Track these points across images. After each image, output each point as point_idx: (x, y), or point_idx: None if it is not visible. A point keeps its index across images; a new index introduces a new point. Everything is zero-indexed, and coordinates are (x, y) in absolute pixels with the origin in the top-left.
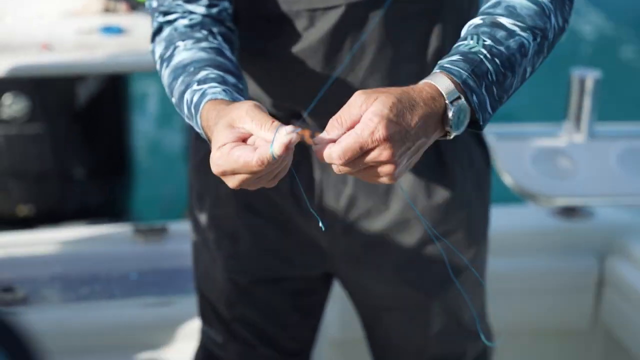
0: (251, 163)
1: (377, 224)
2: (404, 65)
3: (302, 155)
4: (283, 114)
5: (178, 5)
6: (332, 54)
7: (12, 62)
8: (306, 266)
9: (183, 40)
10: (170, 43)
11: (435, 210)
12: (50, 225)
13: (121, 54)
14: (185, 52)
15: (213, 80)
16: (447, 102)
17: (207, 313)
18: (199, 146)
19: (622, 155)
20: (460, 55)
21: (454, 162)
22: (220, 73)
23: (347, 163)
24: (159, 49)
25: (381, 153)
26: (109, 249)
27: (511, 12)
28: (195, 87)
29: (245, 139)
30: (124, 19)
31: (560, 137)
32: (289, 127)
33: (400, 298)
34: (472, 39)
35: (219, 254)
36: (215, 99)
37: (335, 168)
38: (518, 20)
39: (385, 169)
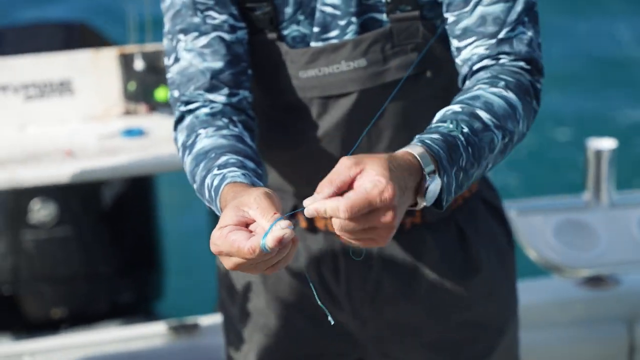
0: (243, 250)
1: (405, 307)
2: None
3: (326, 246)
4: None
5: (199, 94)
6: (349, 139)
7: (37, 172)
8: (338, 354)
9: (205, 128)
10: (192, 131)
11: (461, 292)
12: (83, 326)
13: (143, 155)
14: (206, 140)
15: (233, 165)
16: (425, 173)
17: None
18: None
19: None
20: (440, 136)
21: (477, 244)
22: (240, 158)
23: (351, 219)
24: (181, 137)
25: (387, 214)
26: (143, 349)
27: (489, 109)
28: (215, 171)
29: (248, 224)
30: (145, 120)
31: (581, 208)
32: (286, 222)
33: None
34: (451, 123)
35: (250, 347)
36: (235, 182)
37: (336, 224)
38: (494, 117)
39: (384, 231)
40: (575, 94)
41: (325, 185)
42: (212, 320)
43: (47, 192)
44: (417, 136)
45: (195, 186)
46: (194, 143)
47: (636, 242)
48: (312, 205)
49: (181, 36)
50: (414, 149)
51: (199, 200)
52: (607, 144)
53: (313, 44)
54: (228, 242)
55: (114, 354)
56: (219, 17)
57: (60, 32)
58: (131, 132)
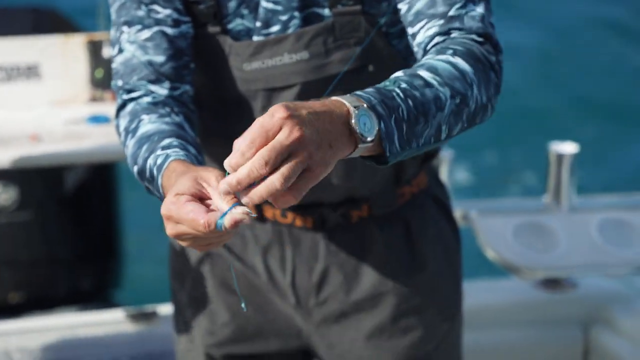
0: (198, 223)
1: (350, 298)
2: None
3: (274, 235)
4: None
5: (142, 85)
6: None
7: (1, 155)
8: (282, 342)
9: (147, 114)
10: (134, 116)
11: (405, 284)
12: (41, 311)
13: (108, 142)
14: (150, 125)
15: (176, 147)
16: (349, 106)
17: None
18: None
19: (602, 226)
20: (373, 88)
21: (423, 239)
22: (183, 142)
23: (260, 156)
24: (123, 122)
25: (291, 130)
26: (101, 335)
27: (432, 70)
28: (159, 152)
29: (203, 199)
30: (111, 107)
31: (541, 211)
32: (245, 208)
33: None
34: (389, 81)
35: (197, 332)
36: (179, 159)
37: (252, 168)
38: (438, 77)
39: (301, 154)
40: None
41: (245, 149)
42: (171, 309)
43: (8, 175)
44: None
45: (135, 168)
46: (137, 128)
47: (594, 246)
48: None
49: (125, 28)
50: (340, 96)
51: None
52: (568, 148)
53: (256, 38)
54: (183, 210)
55: (72, 340)
56: (162, 12)
57: (29, 17)
58: (97, 119)
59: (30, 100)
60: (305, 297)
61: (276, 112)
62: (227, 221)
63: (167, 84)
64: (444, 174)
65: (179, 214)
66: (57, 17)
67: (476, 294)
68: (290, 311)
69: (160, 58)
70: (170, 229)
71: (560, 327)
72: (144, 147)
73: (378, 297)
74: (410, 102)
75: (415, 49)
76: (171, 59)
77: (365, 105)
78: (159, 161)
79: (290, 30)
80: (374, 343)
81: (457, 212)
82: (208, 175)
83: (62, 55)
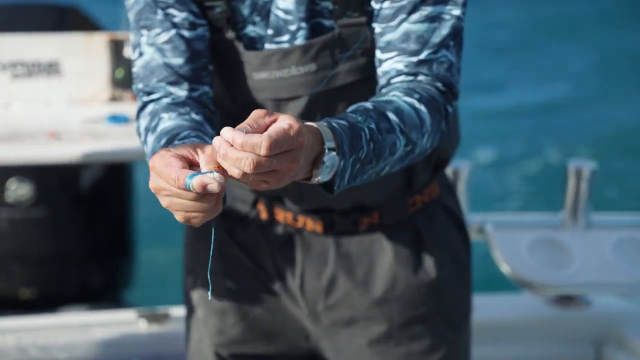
0: (170, 175)
1: (358, 304)
2: None
3: (285, 238)
4: (265, 197)
5: (161, 87)
6: None
7: (19, 151)
8: (290, 345)
9: (167, 112)
10: (155, 115)
11: (414, 291)
12: (51, 308)
13: (127, 142)
14: (169, 121)
15: (194, 137)
16: (325, 147)
17: None
18: (192, 229)
19: (617, 245)
20: (347, 123)
21: (432, 247)
22: (201, 135)
23: (267, 155)
24: (144, 122)
25: (296, 157)
26: (113, 335)
27: (398, 114)
28: (176, 142)
29: (193, 164)
30: (130, 107)
31: (557, 227)
32: (219, 175)
33: None
34: (360, 116)
35: (206, 331)
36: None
37: (247, 162)
38: (402, 123)
39: (282, 174)
40: None
41: (243, 125)
42: (183, 312)
43: (25, 172)
44: (325, 118)
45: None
46: (157, 125)
47: (609, 265)
48: (230, 134)
49: (144, 32)
50: (320, 124)
51: None
52: (587, 164)
53: (267, 45)
54: (163, 161)
55: (84, 338)
56: (179, 15)
57: (52, 14)
58: (116, 119)
59: (50, 97)
60: (314, 301)
61: (301, 134)
62: (195, 181)
63: (185, 86)
64: (461, 186)
65: (160, 164)
66: (79, 15)
67: (489, 308)
68: (299, 314)
69: (178, 60)
70: (151, 181)
71: (573, 345)
72: (163, 141)
73: (386, 304)
74: (371, 145)
75: (380, 74)
76: (189, 61)
77: (334, 153)
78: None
79: (298, 41)
80: (380, 350)
81: (473, 225)
82: (206, 146)
83: (84, 54)
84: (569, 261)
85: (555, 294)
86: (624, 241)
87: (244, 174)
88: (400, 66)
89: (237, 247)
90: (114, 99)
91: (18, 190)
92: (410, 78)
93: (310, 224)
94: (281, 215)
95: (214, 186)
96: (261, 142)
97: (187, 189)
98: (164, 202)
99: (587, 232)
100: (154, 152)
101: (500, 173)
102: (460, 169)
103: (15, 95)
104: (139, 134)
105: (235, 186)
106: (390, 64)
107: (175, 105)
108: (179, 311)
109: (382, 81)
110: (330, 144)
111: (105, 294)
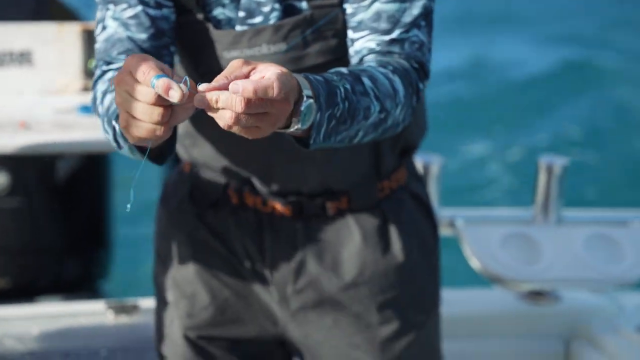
0: (141, 67)
1: (326, 287)
2: None
3: (255, 223)
4: (235, 181)
5: (122, 58)
6: None
7: None
8: (259, 329)
9: None
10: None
11: (382, 276)
12: (26, 299)
13: (98, 133)
14: None
15: None
16: (304, 93)
17: None
18: (162, 213)
19: (588, 241)
20: (324, 79)
21: (400, 232)
22: None
23: (250, 103)
24: (101, 87)
25: (288, 97)
26: (81, 326)
27: (373, 80)
28: None
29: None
30: None
31: (529, 222)
32: (185, 87)
33: None
34: (336, 76)
35: (176, 314)
36: None
37: (236, 104)
38: (376, 89)
39: (274, 118)
40: None
41: (221, 79)
42: (153, 304)
43: (0, 161)
44: (302, 73)
45: (106, 119)
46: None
47: (579, 260)
48: (240, 84)
49: (111, 6)
50: (296, 75)
51: (151, 181)
52: (559, 160)
53: (238, 27)
54: (141, 57)
55: (52, 329)
56: None
57: (29, 2)
58: (88, 109)
59: (21, 87)
60: (283, 285)
61: (291, 77)
62: (161, 81)
63: None
64: (432, 180)
65: (137, 58)
66: (57, 4)
67: (459, 302)
68: (268, 299)
69: (141, 35)
70: (117, 73)
71: (542, 339)
72: None
73: (354, 288)
74: (346, 104)
75: (352, 53)
76: (152, 37)
77: (312, 101)
78: None
79: (271, 22)
80: (349, 333)
81: (443, 220)
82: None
83: (56, 43)
84: (539, 256)
85: (526, 289)
86: (595, 237)
87: (237, 117)
88: (372, 44)
89: (207, 232)
90: (86, 89)
91: None
92: (381, 57)
93: (280, 208)
94: (251, 200)
95: (176, 93)
96: (272, 84)
97: (152, 86)
98: (119, 97)
99: (558, 228)
100: (107, 110)
101: (480, 164)
102: (431, 163)
103: None
104: (94, 99)
105: (206, 169)
106: (362, 43)
107: None
108: (148, 303)
109: (354, 60)
110: (307, 92)
111: (81, 284)
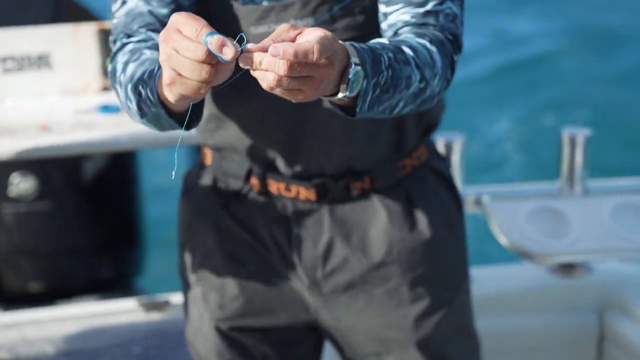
0: (195, 24)
1: (356, 269)
2: None
3: (280, 209)
4: (258, 165)
5: (143, 32)
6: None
7: (11, 145)
8: (291, 317)
9: (149, 49)
10: (136, 51)
11: (410, 253)
12: (61, 301)
13: (119, 132)
14: (152, 54)
15: None
16: (352, 61)
17: None
18: (186, 206)
19: (615, 210)
20: (368, 47)
21: (425, 210)
22: None
23: (293, 65)
24: (122, 58)
25: (332, 61)
26: (112, 324)
27: (413, 50)
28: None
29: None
30: None
31: (555, 195)
32: (238, 46)
33: (384, 342)
34: (379, 45)
35: (206, 307)
36: None
37: (277, 69)
38: (417, 58)
39: (317, 82)
40: None
41: (268, 42)
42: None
43: (27, 165)
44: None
45: (130, 86)
46: (140, 57)
47: (608, 231)
48: (279, 47)
49: None
50: (343, 42)
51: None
52: (582, 131)
53: (265, 3)
54: (186, 15)
55: (84, 329)
56: None
57: (49, 4)
58: (108, 108)
59: (41, 90)
60: (312, 269)
61: (335, 41)
62: (215, 38)
63: None
64: (456, 158)
65: (186, 16)
66: (75, 5)
67: (489, 280)
68: (299, 286)
69: (162, 10)
70: (163, 31)
71: (575, 312)
72: (147, 63)
73: (383, 268)
74: (390, 72)
75: (385, 28)
76: (173, 12)
77: (360, 68)
78: (156, 68)
79: None
80: (380, 312)
81: (469, 198)
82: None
83: (73, 44)
84: (568, 229)
85: (556, 263)
86: (622, 206)
87: (279, 79)
88: (407, 17)
89: (233, 221)
90: (105, 89)
91: (21, 184)
92: (416, 29)
93: (304, 193)
94: (274, 186)
95: (230, 50)
96: (312, 47)
97: (204, 44)
98: (164, 54)
99: (584, 199)
100: (132, 75)
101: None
102: (454, 142)
103: (7, 90)
104: (114, 71)
105: (230, 152)
106: (396, 16)
107: (157, 47)
108: (180, 298)
109: (388, 34)
110: (355, 59)
111: (115, 284)
